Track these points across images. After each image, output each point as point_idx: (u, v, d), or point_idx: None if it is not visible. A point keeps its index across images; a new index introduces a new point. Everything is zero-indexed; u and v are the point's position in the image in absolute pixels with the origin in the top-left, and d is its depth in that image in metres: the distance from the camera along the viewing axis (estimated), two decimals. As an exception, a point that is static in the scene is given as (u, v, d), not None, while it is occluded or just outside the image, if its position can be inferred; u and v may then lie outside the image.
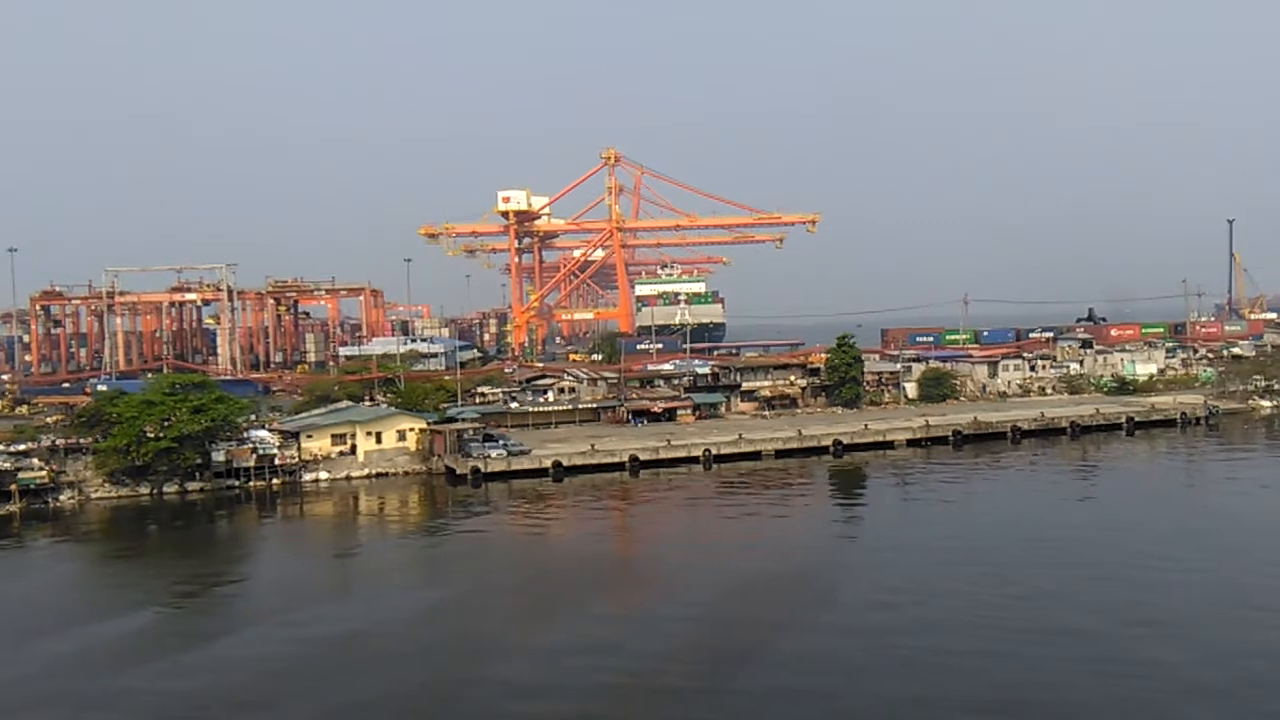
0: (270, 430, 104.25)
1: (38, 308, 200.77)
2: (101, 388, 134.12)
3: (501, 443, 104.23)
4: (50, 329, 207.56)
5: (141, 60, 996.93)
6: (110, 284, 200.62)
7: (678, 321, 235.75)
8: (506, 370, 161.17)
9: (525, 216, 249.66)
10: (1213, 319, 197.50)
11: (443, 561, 75.19)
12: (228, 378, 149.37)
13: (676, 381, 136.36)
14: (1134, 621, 52.47)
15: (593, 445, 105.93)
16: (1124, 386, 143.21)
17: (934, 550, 68.84)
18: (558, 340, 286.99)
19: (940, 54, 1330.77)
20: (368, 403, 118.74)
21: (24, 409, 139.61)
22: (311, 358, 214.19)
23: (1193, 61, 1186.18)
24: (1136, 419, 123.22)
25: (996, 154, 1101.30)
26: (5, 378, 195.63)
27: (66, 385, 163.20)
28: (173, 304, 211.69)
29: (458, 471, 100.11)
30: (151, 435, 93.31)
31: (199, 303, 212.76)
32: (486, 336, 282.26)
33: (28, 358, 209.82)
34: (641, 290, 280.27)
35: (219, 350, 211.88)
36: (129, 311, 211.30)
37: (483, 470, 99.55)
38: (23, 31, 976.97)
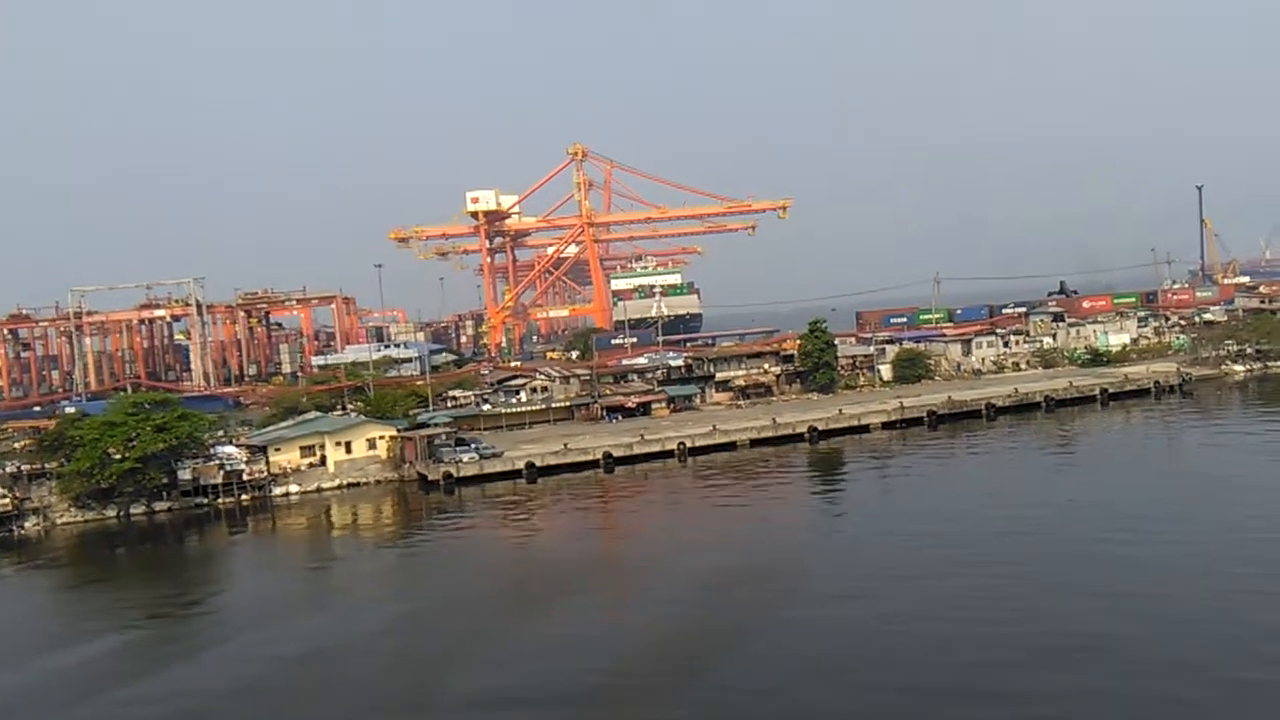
0: (238, 445, 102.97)
1: (5, 331, 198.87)
2: (70, 410, 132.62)
3: (473, 446, 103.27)
4: (19, 352, 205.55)
5: (97, 67, 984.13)
6: (77, 304, 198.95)
7: (654, 314, 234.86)
8: (482, 372, 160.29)
9: (495, 216, 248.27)
10: (1186, 286, 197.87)
11: (415, 571, 74.13)
12: (195, 394, 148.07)
13: (650, 375, 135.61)
14: (1115, 595, 52.11)
15: (565, 444, 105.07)
16: (1097, 358, 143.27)
17: (912, 535, 68.25)
18: (535, 339, 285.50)
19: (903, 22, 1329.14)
20: (338, 413, 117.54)
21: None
22: (286, 369, 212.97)
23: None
24: (1110, 390, 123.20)
25: (967, 130, 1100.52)
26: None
27: (37, 409, 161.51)
28: (142, 321, 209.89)
29: (429, 478, 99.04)
30: (116, 456, 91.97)
31: (168, 319, 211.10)
32: (463, 339, 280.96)
33: (0, 382, 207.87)
34: (617, 284, 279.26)
35: (192, 366, 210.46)
36: (98, 331, 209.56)
37: (455, 475, 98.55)
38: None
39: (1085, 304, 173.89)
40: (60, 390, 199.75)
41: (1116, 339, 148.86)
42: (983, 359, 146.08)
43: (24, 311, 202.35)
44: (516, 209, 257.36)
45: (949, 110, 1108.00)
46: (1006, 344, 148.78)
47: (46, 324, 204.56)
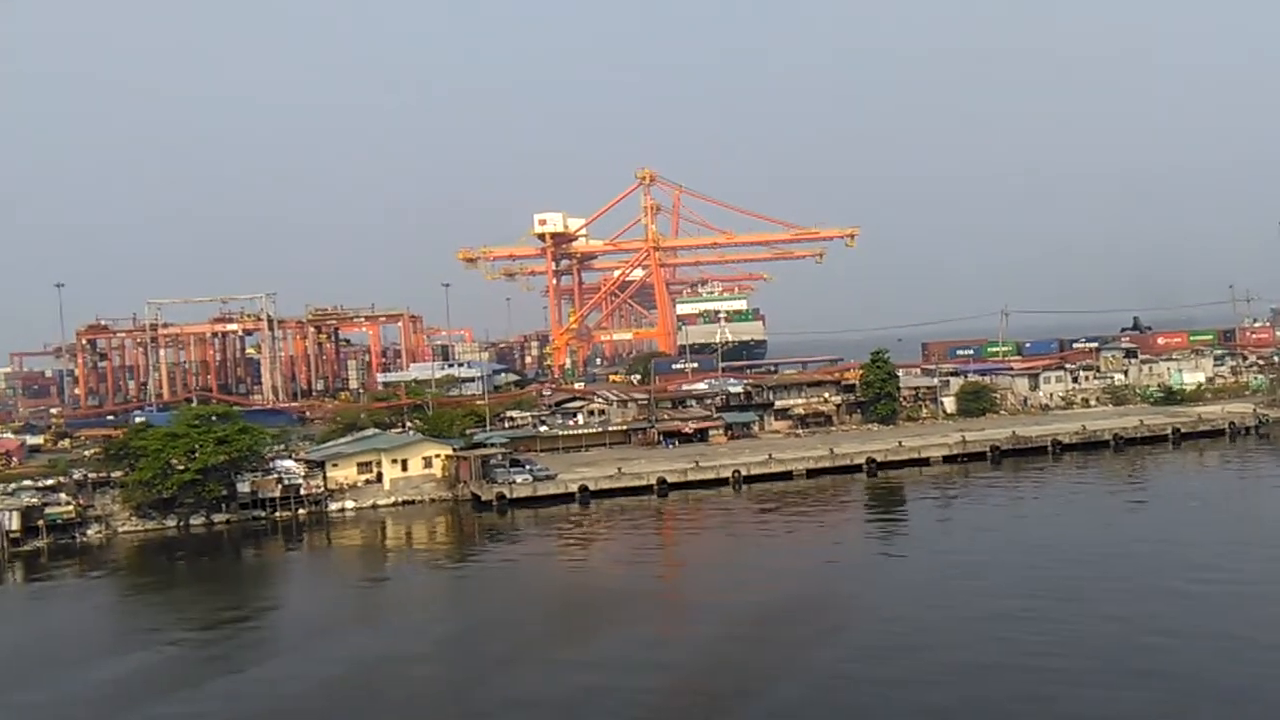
0: (296, 460, 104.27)
1: (83, 341, 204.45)
2: (139, 419, 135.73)
3: (527, 468, 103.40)
4: (96, 362, 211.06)
5: (169, 90, 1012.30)
6: (154, 316, 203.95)
7: (718, 340, 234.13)
8: (544, 393, 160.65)
9: (562, 238, 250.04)
10: (1267, 324, 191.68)
11: (462, 593, 74.27)
12: (258, 408, 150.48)
13: (709, 401, 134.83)
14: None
15: (620, 469, 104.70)
16: (1170, 396, 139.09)
17: (976, 573, 66.62)
18: (599, 361, 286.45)
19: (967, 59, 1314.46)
20: (397, 430, 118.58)
21: (66, 443, 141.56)
22: (353, 384, 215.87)
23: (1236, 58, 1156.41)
24: (1183, 430, 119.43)
25: (1032, 159, 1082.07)
26: (54, 411, 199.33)
27: (110, 418, 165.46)
28: (215, 335, 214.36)
29: (483, 498, 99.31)
30: (179, 468, 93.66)
31: (240, 333, 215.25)
32: (528, 359, 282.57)
33: (77, 391, 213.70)
34: (682, 309, 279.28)
35: (262, 379, 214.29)
36: (173, 343, 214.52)
37: (508, 496, 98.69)
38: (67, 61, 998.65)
39: (1160, 340, 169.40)
40: (135, 400, 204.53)
41: (1191, 377, 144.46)
42: (1050, 394, 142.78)
43: (102, 322, 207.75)
44: (583, 232, 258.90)
45: (1027, 140, 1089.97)
46: (1076, 379, 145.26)
47: (124, 335, 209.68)
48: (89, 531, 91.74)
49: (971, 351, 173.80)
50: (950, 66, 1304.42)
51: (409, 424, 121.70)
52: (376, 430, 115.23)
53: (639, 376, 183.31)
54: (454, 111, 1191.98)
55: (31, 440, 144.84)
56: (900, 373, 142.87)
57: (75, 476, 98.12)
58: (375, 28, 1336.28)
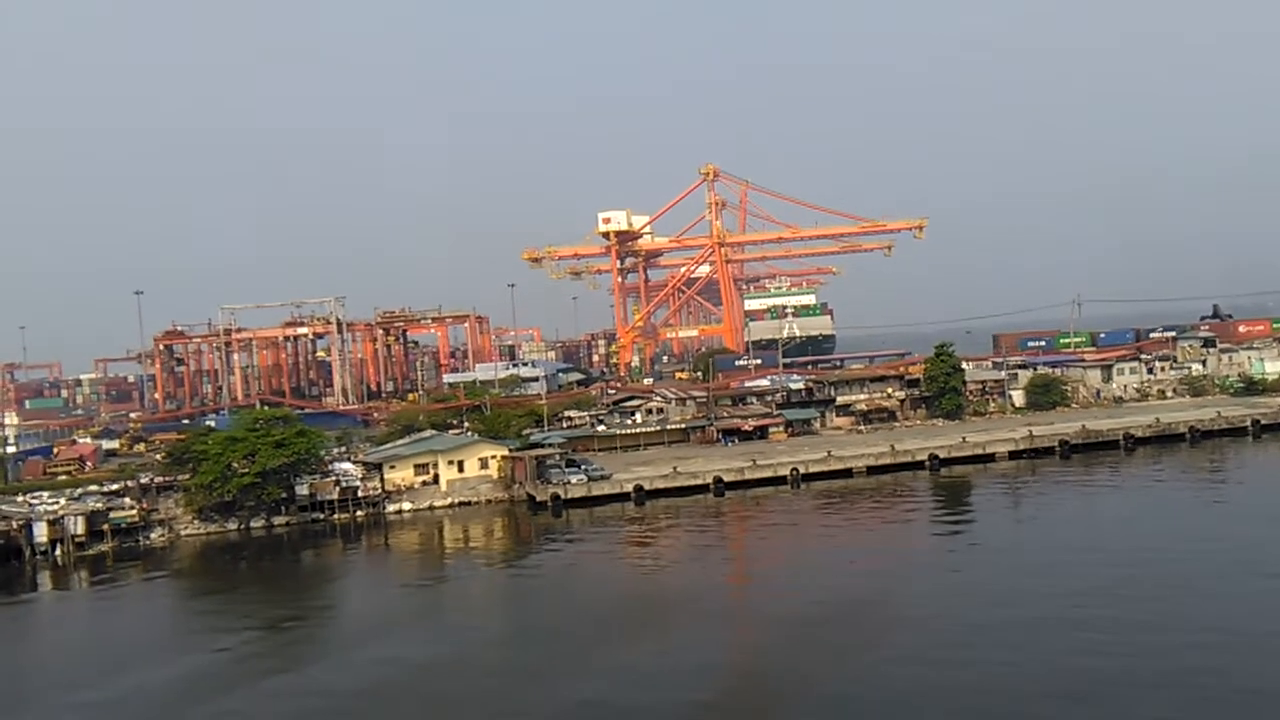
0: (354, 462, 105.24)
1: (161, 347, 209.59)
2: (210, 423, 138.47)
3: (582, 468, 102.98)
4: (174, 367, 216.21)
5: (238, 99, 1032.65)
6: (228, 321, 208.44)
7: (785, 335, 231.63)
8: (609, 391, 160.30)
9: (626, 236, 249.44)
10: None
11: (518, 592, 74.21)
12: (320, 410, 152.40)
13: (769, 398, 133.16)
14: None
15: (675, 468, 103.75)
16: (1251, 387, 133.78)
17: (1032, 573, 64.54)
18: (665, 359, 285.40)
19: (1040, 34, 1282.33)
20: (455, 431, 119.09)
21: (142, 446, 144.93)
22: (423, 385, 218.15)
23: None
24: (1264, 421, 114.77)
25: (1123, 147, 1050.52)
26: (133, 416, 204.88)
27: (186, 421, 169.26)
28: (287, 338, 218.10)
29: (537, 498, 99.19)
30: (241, 471, 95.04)
31: (311, 336, 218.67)
32: (595, 357, 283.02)
33: (155, 396, 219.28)
34: (750, 304, 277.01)
35: (334, 381, 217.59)
36: (246, 348, 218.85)
37: (563, 497, 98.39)
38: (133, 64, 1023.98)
39: (1241, 329, 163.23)
40: (212, 403, 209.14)
41: (1273, 366, 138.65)
42: (1124, 386, 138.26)
43: (179, 328, 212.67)
44: (648, 229, 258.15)
45: (1109, 134, 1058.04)
46: (1151, 370, 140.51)
47: (199, 340, 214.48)
48: (152, 535, 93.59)
49: (1043, 343, 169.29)
50: (1037, 63, 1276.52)
51: (466, 425, 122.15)
52: (434, 432, 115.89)
53: (701, 374, 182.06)
54: (521, 122, 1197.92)
55: (108, 445, 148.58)
56: (968, 365, 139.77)
57: (142, 481, 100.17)
58: (440, 44, 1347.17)
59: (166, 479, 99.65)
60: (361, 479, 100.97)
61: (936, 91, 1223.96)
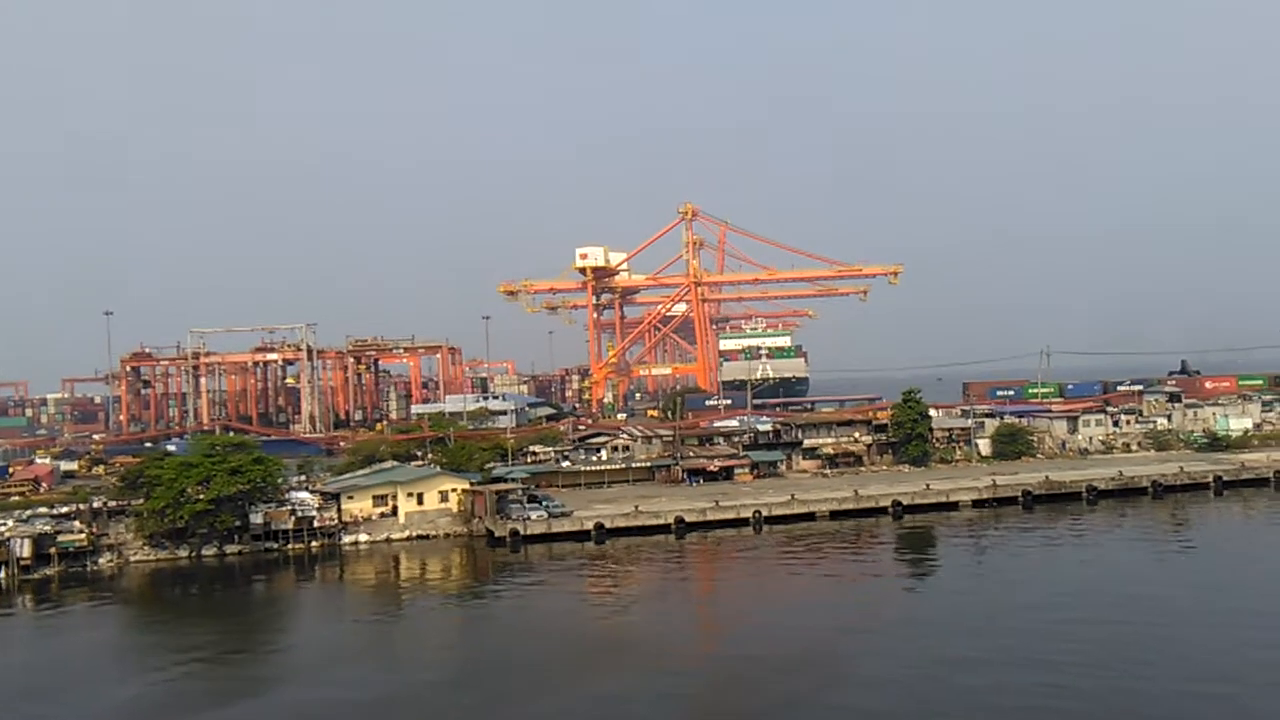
0: (312, 491, 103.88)
1: (127, 369, 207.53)
2: (170, 448, 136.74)
3: (544, 504, 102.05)
4: (140, 389, 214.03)
5: (211, 121, 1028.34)
6: (197, 345, 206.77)
7: (759, 376, 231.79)
8: (579, 427, 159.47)
9: (603, 273, 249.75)
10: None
11: (473, 630, 72.99)
12: (281, 438, 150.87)
13: (736, 439, 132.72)
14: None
15: (637, 506, 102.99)
16: (1215, 443, 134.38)
17: (982, 631, 63.78)
18: (638, 396, 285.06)
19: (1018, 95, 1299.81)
20: (417, 463, 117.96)
21: (100, 469, 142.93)
22: (392, 415, 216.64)
23: None
24: (1225, 478, 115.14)
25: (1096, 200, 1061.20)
26: (97, 437, 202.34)
27: (148, 445, 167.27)
28: (256, 364, 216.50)
29: (496, 534, 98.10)
30: (197, 497, 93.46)
31: (280, 362, 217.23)
32: (569, 392, 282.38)
33: (120, 417, 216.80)
34: (725, 344, 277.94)
35: (302, 409, 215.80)
36: (214, 371, 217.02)
37: (521, 533, 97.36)
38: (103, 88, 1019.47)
39: (1208, 384, 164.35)
40: (178, 427, 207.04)
41: (1238, 423, 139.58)
42: (1090, 438, 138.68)
43: (146, 350, 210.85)
44: (625, 266, 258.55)
45: (1095, 192, 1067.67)
46: (1116, 423, 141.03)
47: (167, 363, 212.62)
48: (100, 560, 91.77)
49: (1012, 392, 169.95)
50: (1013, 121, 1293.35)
51: (429, 457, 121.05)
52: (395, 463, 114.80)
53: (668, 412, 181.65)
54: (500, 145, 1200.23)
55: (66, 466, 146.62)
56: (937, 413, 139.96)
57: (94, 504, 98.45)
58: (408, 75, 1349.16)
59: (119, 503, 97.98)
60: (318, 509, 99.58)
61: (919, 141, 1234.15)
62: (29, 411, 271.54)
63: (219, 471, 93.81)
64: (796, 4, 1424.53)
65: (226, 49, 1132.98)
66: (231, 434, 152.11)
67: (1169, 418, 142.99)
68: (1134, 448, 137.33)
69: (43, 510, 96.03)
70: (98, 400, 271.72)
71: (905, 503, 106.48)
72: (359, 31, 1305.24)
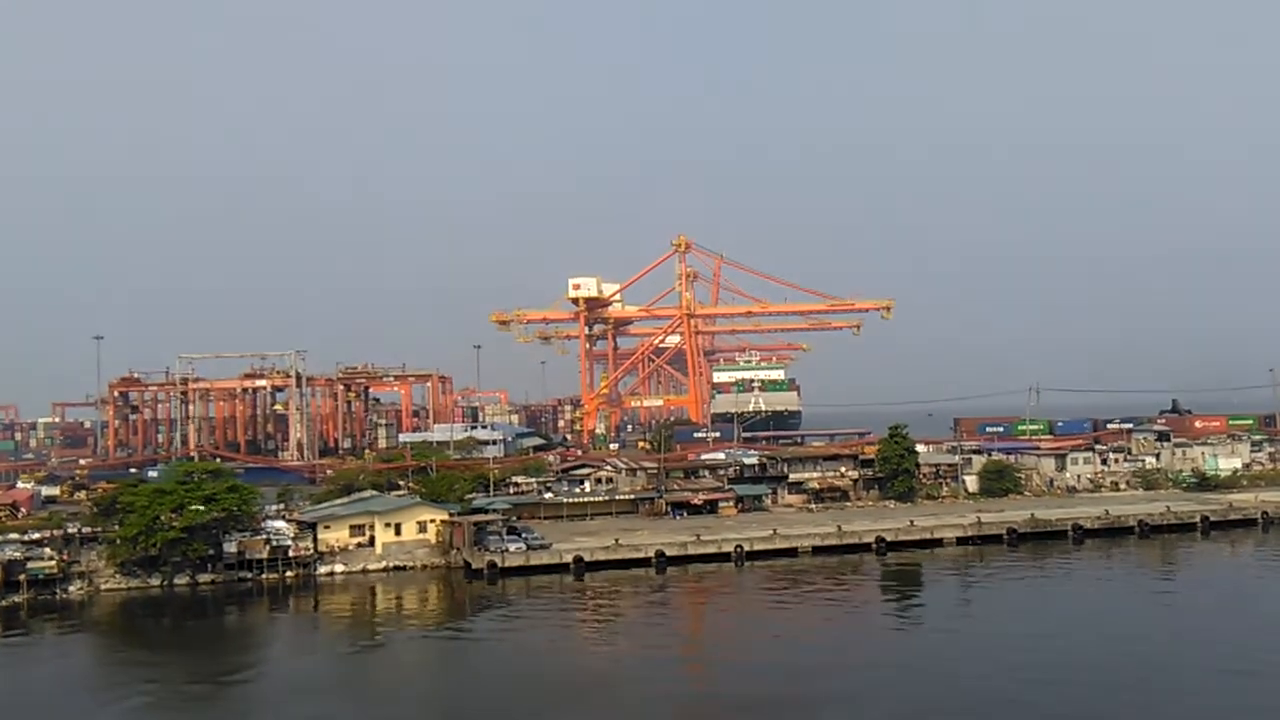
0: (289, 520, 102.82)
1: (115, 394, 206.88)
2: (153, 473, 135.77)
3: (523, 536, 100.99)
4: (128, 415, 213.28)
5: (208, 145, 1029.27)
6: (186, 371, 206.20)
7: (750, 409, 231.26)
8: (567, 459, 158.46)
9: (596, 303, 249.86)
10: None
11: (445, 664, 71.80)
12: (261, 466, 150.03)
13: (722, 472, 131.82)
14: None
15: (618, 540, 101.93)
16: (1204, 482, 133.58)
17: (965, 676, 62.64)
18: (630, 428, 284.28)
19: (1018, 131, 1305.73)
20: (398, 493, 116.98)
21: (82, 494, 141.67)
22: (381, 444, 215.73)
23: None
24: (1213, 518, 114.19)
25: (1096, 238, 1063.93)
26: (84, 462, 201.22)
27: (132, 470, 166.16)
28: (245, 390, 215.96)
29: (474, 565, 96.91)
30: (172, 524, 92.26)
31: (269, 389, 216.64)
32: (560, 423, 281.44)
33: (108, 442, 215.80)
34: (719, 377, 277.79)
35: (290, 436, 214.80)
36: (203, 398, 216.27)
37: (499, 565, 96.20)
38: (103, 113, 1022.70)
39: (1197, 424, 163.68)
40: (165, 453, 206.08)
41: (1227, 463, 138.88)
42: (1078, 476, 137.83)
43: (135, 375, 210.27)
44: (618, 297, 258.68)
45: (1103, 225, 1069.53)
46: (1105, 461, 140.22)
47: (155, 388, 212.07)
48: (70, 588, 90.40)
49: (1001, 428, 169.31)
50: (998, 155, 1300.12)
51: (409, 486, 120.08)
52: (374, 492, 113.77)
53: (654, 445, 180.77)
54: (495, 174, 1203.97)
55: (48, 491, 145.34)
56: (925, 448, 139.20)
57: (67, 530, 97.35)
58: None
59: (93, 530, 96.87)
60: (294, 538, 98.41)
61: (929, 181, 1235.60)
62: (18, 435, 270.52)
63: (192, 499, 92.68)
64: (785, 51, 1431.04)
65: (219, 65, 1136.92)
66: (219, 460, 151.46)
67: (1158, 456, 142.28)
68: (1122, 486, 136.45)
69: (14, 536, 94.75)
70: (87, 425, 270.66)
71: (889, 539, 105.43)
72: (352, 58, 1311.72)
